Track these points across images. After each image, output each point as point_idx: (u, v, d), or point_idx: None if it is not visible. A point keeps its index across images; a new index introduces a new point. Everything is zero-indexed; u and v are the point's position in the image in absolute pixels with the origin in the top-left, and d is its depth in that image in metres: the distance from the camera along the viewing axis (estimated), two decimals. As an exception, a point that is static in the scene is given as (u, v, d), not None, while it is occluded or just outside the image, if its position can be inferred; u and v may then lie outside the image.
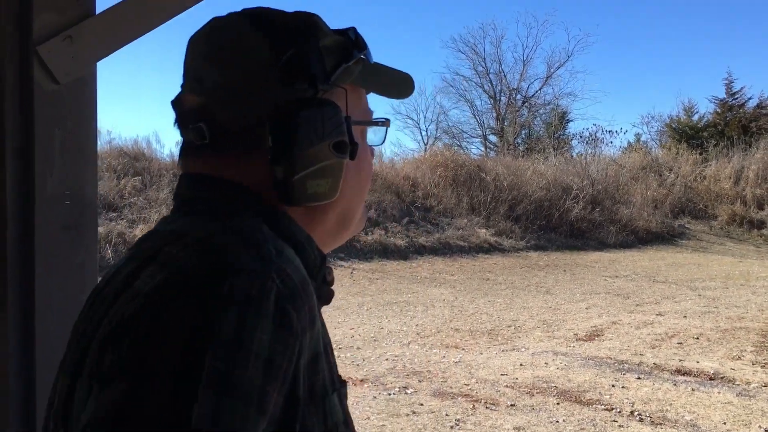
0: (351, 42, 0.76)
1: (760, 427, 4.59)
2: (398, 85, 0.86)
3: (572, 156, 22.55)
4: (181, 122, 0.77)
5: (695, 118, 29.25)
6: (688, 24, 50.94)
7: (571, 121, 31.83)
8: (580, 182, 18.06)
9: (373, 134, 0.84)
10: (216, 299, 0.57)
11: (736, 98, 28.61)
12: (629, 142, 27.71)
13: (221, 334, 0.55)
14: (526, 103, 32.53)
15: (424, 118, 38.77)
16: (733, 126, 26.69)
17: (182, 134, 0.77)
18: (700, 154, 22.48)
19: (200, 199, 0.74)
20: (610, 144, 30.09)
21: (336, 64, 0.74)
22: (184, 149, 0.78)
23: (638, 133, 31.37)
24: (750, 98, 28.53)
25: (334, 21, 0.80)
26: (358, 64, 0.77)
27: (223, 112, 0.73)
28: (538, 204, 16.69)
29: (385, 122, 0.84)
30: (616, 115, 65.27)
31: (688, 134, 27.63)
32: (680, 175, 20.97)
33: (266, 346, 0.57)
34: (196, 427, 0.52)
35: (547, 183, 17.63)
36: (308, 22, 0.75)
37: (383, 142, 0.85)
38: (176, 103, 0.78)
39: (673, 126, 29.11)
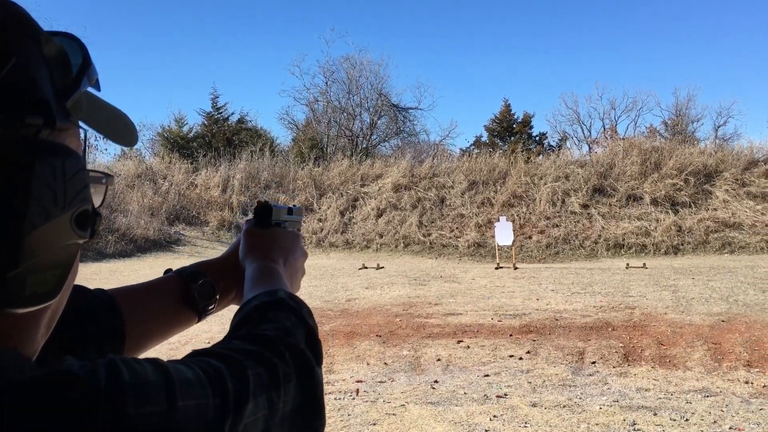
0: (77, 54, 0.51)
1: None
2: (125, 125, 0.60)
3: (63, 162, 21.30)
4: None
5: (186, 128, 30.82)
6: (176, 37, 53.50)
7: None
8: (74, 190, 17.16)
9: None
10: None
11: (221, 112, 31.21)
12: (123, 150, 27.55)
13: None
14: None
15: None
16: (219, 138, 29.01)
17: None
18: (191, 163, 23.73)
19: None
20: (105, 151, 29.35)
21: (67, 88, 0.49)
22: None
23: (130, 141, 31.44)
24: (233, 113, 31.52)
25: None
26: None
27: None
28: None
29: (110, 178, 0.58)
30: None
31: (180, 144, 28.92)
32: (174, 183, 21.79)
33: None
34: None
35: (37, 191, 16.23)
36: (19, 15, 0.47)
37: (101, 204, 0.58)
38: None
39: (165, 135, 30.08)
